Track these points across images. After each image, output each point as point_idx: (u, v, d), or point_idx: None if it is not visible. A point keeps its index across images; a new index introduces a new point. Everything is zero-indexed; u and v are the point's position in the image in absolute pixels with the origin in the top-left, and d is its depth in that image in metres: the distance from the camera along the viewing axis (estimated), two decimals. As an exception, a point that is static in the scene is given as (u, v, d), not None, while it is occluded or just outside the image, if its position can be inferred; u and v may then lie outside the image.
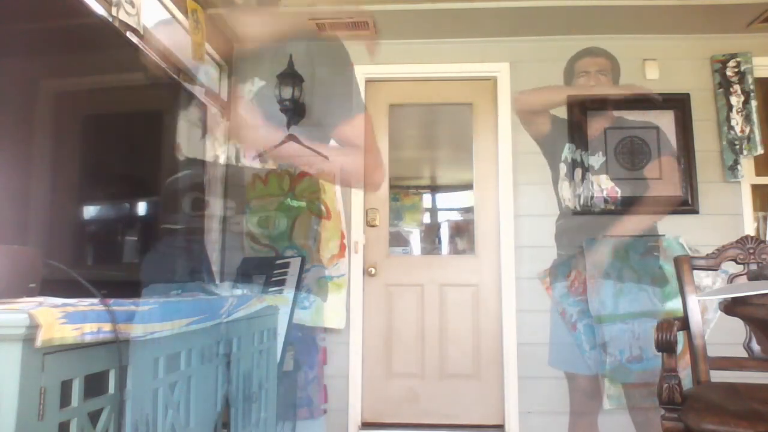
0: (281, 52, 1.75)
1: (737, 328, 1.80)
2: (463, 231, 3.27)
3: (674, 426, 1.59)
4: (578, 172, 2.52)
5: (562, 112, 2.60)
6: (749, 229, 2.90)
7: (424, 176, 3.48)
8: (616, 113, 2.56)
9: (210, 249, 2.41)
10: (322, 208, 2.91)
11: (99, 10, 1.67)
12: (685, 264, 1.97)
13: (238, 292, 1.84)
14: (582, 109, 2.59)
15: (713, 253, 1.96)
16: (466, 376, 2.98)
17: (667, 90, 2.98)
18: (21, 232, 1.22)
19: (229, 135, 2.10)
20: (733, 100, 2.92)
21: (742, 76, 2.94)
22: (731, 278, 1.94)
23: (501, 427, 2.91)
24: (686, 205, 2.88)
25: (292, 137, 1.75)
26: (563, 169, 2.50)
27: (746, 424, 1.41)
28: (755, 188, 2.97)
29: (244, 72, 1.84)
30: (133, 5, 1.85)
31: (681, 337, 1.83)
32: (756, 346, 1.83)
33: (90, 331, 0.91)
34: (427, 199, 3.39)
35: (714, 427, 1.45)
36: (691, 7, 2.76)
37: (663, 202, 2.53)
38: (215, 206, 2.64)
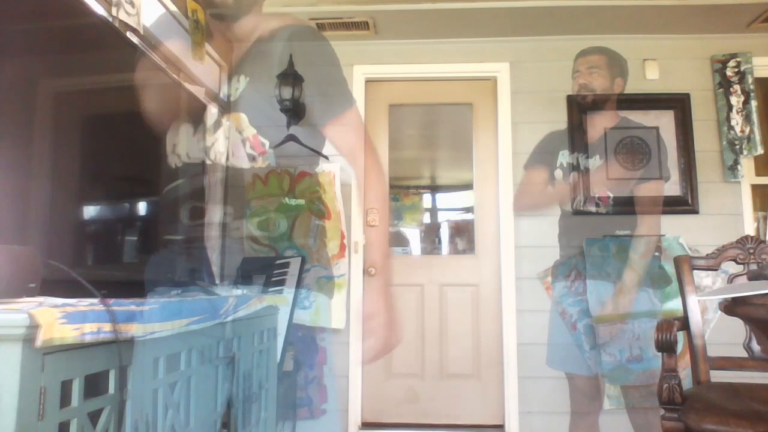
0: (279, 51, 1.74)
1: (737, 328, 1.80)
2: (463, 231, 3.27)
3: (674, 426, 1.59)
4: (573, 175, 2.53)
5: (562, 125, 2.64)
6: (749, 229, 2.90)
7: (424, 176, 3.48)
8: (621, 113, 2.56)
9: (210, 249, 2.41)
10: (322, 208, 2.91)
11: (99, 10, 1.67)
12: (685, 264, 1.97)
13: (238, 292, 1.84)
14: (581, 109, 2.60)
15: (713, 253, 1.96)
16: (466, 376, 2.98)
17: (667, 90, 2.99)
18: (21, 232, 1.22)
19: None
20: (733, 100, 2.92)
21: (742, 76, 2.94)
22: (731, 278, 1.94)
23: (501, 427, 2.91)
24: (686, 205, 2.89)
25: (292, 137, 1.75)
26: (559, 174, 2.51)
27: (746, 424, 1.41)
28: (755, 188, 2.96)
29: (241, 71, 1.84)
30: (133, 5, 1.85)
31: (681, 337, 1.84)
32: (756, 346, 1.83)
33: (90, 331, 0.91)
34: (427, 199, 3.39)
35: (714, 427, 1.45)
36: (691, 7, 2.76)
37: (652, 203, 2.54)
38: (215, 206, 2.64)
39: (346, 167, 2.99)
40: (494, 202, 3.08)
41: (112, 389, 1.01)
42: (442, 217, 3.38)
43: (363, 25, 2.94)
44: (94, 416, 0.96)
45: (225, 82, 2.83)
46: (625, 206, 2.53)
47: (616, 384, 2.40)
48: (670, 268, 2.19)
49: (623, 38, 2.98)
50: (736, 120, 2.90)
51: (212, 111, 2.30)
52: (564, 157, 2.52)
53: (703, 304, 2.41)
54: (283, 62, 1.72)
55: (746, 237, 1.95)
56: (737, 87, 2.93)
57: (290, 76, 1.75)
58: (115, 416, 1.00)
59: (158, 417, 1.12)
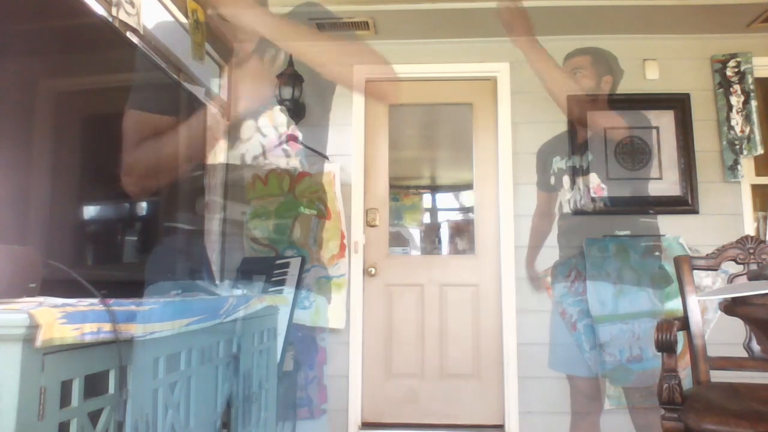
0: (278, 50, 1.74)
1: (737, 328, 1.80)
2: (463, 231, 3.27)
3: (674, 426, 1.59)
4: (566, 179, 2.54)
5: (561, 125, 2.64)
6: (749, 229, 2.90)
7: (424, 176, 3.48)
8: (621, 113, 2.57)
9: (210, 249, 2.41)
10: (322, 208, 2.91)
11: (99, 10, 1.67)
12: (685, 264, 1.97)
13: (238, 292, 1.84)
14: (580, 108, 2.60)
15: (713, 253, 1.96)
16: (466, 376, 2.98)
17: (667, 90, 2.99)
18: (21, 232, 1.22)
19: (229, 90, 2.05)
20: (733, 100, 2.92)
21: (742, 76, 2.94)
22: (731, 278, 1.93)
23: (501, 427, 2.91)
24: (686, 205, 2.89)
25: (292, 137, 1.75)
26: (553, 179, 2.52)
27: (746, 424, 1.41)
28: (755, 188, 2.97)
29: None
30: (133, 5, 1.85)
31: (681, 337, 1.83)
32: (756, 346, 1.83)
33: (90, 331, 0.91)
34: (426, 199, 3.39)
35: (714, 427, 1.45)
36: (691, 7, 2.76)
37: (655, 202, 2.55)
38: (215, 206, 2.65)
39: (345, 167, 2.99)
40: (494, 202, 3.08)
41: (112, 389, 1.01)
42: (442, 217, 3.38)
43: (363, 25, 2.94)
44: (94, 416, 0.96)
45: (225, 81, 2.83)
46: (625, 206, 2.54)
47: (616, 384, 2.40)
48: (670, 268, 2.19)
49: (623, 38, 2.98)
50: (736, 120, 2.90)
51: (212, 111, 2.30)
52: (557, 163, 2.53)
53: (703, 304, 2.41)
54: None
55: (746, 237, 1.95)
56: (737, 87, 2.93)
57: (290, 76, 1.76)
58: (115, 416, 1.00)
59: (158, 417, 1.12)
